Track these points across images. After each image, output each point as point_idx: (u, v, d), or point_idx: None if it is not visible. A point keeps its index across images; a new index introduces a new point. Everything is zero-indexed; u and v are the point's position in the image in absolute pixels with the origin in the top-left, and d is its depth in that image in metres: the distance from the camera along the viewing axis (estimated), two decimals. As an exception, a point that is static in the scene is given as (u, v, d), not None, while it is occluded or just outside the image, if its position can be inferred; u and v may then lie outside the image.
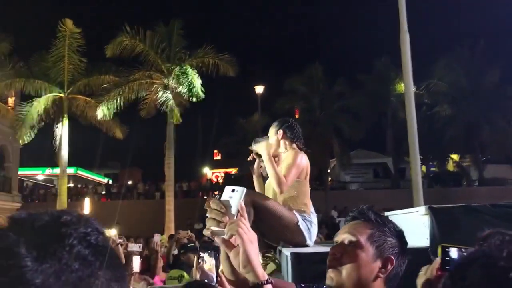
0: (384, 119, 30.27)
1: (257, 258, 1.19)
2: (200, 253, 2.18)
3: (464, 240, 2.56)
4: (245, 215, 1.22)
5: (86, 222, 0.69)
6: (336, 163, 29.29)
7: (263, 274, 1.18)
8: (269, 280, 1.18)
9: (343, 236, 1.49)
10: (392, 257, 1.44)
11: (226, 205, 1.23)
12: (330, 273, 1.44)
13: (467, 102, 27.71)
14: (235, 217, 1.21)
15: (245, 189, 1.27)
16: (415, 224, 2.63)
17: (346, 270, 1.41)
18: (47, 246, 0.62)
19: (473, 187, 29.11)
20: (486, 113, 27.32)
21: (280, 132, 3.80)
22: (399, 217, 3.11)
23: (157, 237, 6.45)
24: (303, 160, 3.64)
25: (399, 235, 1.52)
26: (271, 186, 3.66)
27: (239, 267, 1.18)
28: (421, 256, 2.40)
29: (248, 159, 3.91)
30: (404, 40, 9.03)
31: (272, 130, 3.87)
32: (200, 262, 2.16)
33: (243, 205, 1.22)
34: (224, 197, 1.26)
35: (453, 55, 28.44)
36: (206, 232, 1.25)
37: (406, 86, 9.26)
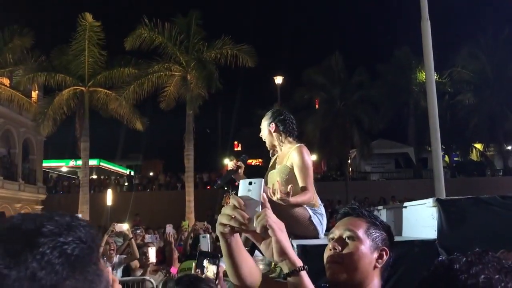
0: (405, 108, 29.87)
1: (290, 246, 1.19)
2: (200, 261, 2.18)
3: (473, 232, 2.53)
4: (269, 205, 1.20)
5: (69, 231, 0.72)
6: (357, 153, 29.07)
7: (299, 261, 1.18)
8: (304, 267, 1.19)
9: (340, 231, 1.55)
10: (386, 248, 1.53)
11: (246, 200, 1.19)
12: (332, 267, 1.50)
13: (491, 90, 27.13)
14: (260, 210, 1.18)
15: (263, 179, 1.23)
16: (423, 216, 2.60)
17: (347, 263, 1.48)
18: (20, 254, 0.66)
19: (497, 177, 28.55)
20: (510, 101, 26.70)
21: (273, 125, 3.75)
22: (408, 209, 3.08)
23: (169, 228, 6.48)
24: (309, 156, 3.61)
25: (388, 229, 1.61)
26: (273, 179, 3.62)
27: (273, 257, 1.18)
28: (429, 248, 2.38)
29: (230, 169, 3.71)
30: (425, 29, 8.85)
31: (264, 122, 3.83)
32: (198, 271, 2.17)
33: (265, 196, 1.20)
34: (242, 191, 1.22)
35: (477, 42, 27.82)
36: (222, 229, 1.20)
37: (428, 75, 9.10)
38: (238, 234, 1.25)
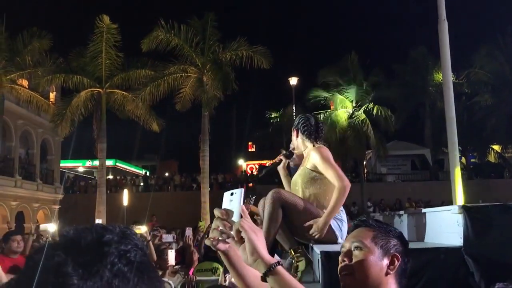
0: (422, 109, 29.58)
1: (263, 246, 1.23)
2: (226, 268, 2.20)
3: (500, 240, 2.50)
4: (247, 215, 1.27)
5: (126, 239, 0.74)
6: (372, 154, 28.86)
7: (271, 258, 1.22)
8: (280, 262, 1.23)
9: (349, 244, 1.61)
10: (398, 254, 1.56)
11: (229, 211, 1.27)
12: (344, 279, 1.56)
13: (509, 91, 26.71)
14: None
15: (243, 189, 1.30)
16: (448, 223, 2.57)
17: (358, 272, 1.53)
18: (91, 264, 0.68)
19: (516, 179, 28.13)
20: (529, 102, 26.29)
21: (295, 131, 3.85)
22: (432, 215, 3.05)
23: (188, 231, 6.51)
24: (328, 153, 3.62)
25: (400, 236, 1.64)
26: (297, 183, 3.66)
27: (248, 260, 1.22)
28: (454, 256, 2.35)
29: (275, 160, 3.92)
30: (443, 29, 8.76)
31: (292, 131, 3.93)
32: (226, 276, 2.18)
33: (243, 207, 1.26)
34: (225, 203, 1.30)
35: (495, 43, 27.42)
36: (208, 242, 1.28)
37: (445, 76, 9.01)
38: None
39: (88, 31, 20.38)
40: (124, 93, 20.73)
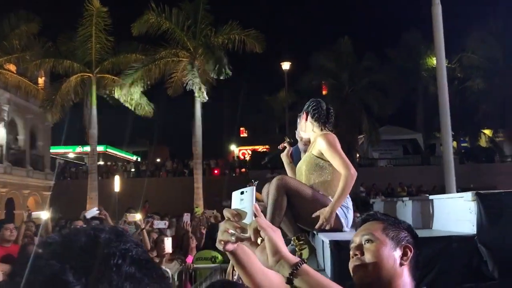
0: (414, 94, 29.61)
1: (284, 246, 1.15)
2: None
3: (514, 228, 2.44)
4: (261, 214, 1.18)
5: (122, 236, 0.65)
6: (365, 139, 28.91)
7: (294, 257, 1.13)
8: (304, 260, 1.16)
9: (359, 238, 1.58)
10: (410, 245, 1.54)
11: (240, 212, 1.18)
12: (358, 273, 1.52)
13: (501, 76, 26.78)
14: (253, 218, 1.17)
15: (254, 187, 1.21)
16: (460, 210, 2.50)
17: (371, 265, 1.50)
18: (94, 269, 0.58)
19: (507, 163, 28.38)
20: (521, 87, 26.38)
21: (304, 114, 3.74)
22: (442, 202, 2.98)
23: (186, 217, 6.41)
24: (336, 139, 3.53)
25: (409, 228, 1.62)
26: (302, 169, 3.58)
27: (268, 261, 1.13)
28: (468, 244, 2.28)
29: (279, 147, 3.87)
30: (436, 13, 8.65)
31: (300, 115, 3.82)
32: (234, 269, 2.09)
33: (256, 206, 1.18)
34: (235, 204, 1.21)
35: (487, 27, 27.40)
36: (221, 247, 1.20)
37: (438, 60, 8.92)
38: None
39: (78, 15, 20.04)
40: (115, 77, 20.46)
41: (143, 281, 0.61)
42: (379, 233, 1.54)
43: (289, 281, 1.10)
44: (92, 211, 5.79)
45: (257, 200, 3.99)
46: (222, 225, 1.19)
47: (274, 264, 1.12)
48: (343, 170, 3.34)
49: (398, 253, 1.51)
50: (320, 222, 3.14)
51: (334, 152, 3.41)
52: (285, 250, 1.13)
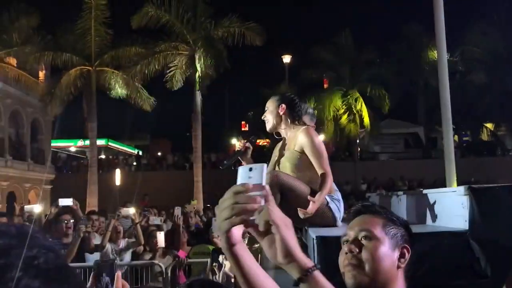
0: (415, 87, 29.45)
1: (297, 245, 1.00)
2: (215, 258, 2.04)
3: (508, 224, 2.37)
4: (272, 198, 1.00)
5: (29, 239, 0.52)
6: (366, 133, 28.81)
7: (309, 260, 1.00)
8: (317, 266, 1.01)
9: (355, 232, 1.43)
10: (407, 246, 1.43)
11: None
12: (352, 272, 1.38)
13: (503, 69, 26.60)
14: (263, 202, 0.98)
15: (265, 164, 1.03)
16: (452, 205, 2.43)
17: (368, 265, 1.37)
18: None
19: (508, 157, 28.27)
20: (523, 80, 26.22)
21: (283, 106, 3.54)
22: (434, 196, 2.91)
23: (177, 210, 6.33)
24: (318, 136, 3.43)
25: (407, 225, 1.50)
26: (286, 167, 3.45)
27: (276, 258, 0.99)
28: (459, 240, 2.22)
29: (240, 147, 3.57)
30: (438, 5, 8.55)
31: (273, 103, 3.60)
32: (215, 265, 2.03)
33: (268, 189, 0.99)
34: (242, 180, 1.01)
35: (489, 20, 27.19)
36: (229, 225, 0.97)
37: (439, 53, 8.78)
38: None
39: (77, 8, 19.94)
40: (115, 71, 20.38)
41: None
42: (379, 231, 1.40)
43: (296, 283, 1.00)
44: (66, 200, 5.73)
45: None
46: (228, 201, 0.98)
47: (285, 264, 0.99)
48: (324, 170, 3.22)
49: (396, 254, 1.40)
50: (302, 213, 2.99)
51: (318, 154, 3.28)
52: (298, 251, 0.99)
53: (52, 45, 19.85)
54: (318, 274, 0.99)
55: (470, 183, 3.44)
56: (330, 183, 3.20)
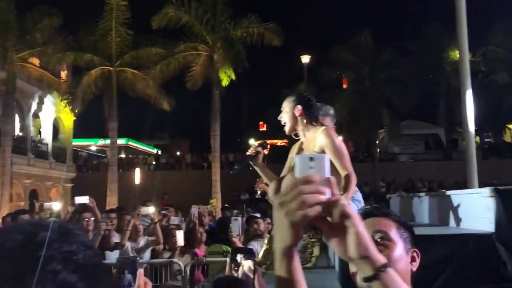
0: (436, 88, 29.05)
1: (372, 241, 0.95)
2: (234, 257, 2.04)
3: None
4: (338, 190, 0.92)
5: (69, 235, 0.52)
6: (385, 134, 28.53)
7: (382, 257, 0.95)
8: (389, 264, 0.96)
9: (370, 234, 1.34)
10: (417, 250, 1.41)
11: None
12: None
13: (527, 69, 26.11)
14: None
15: (326, 155, 0.96)
16: (476, 207, 2.37)
17: None
18: (23, 276, 0.46)
19: (531, 159, 27.69)
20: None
21: (299, 108, 3.47)
22: (457, 197, 2.84)
23: (194, 209, 6.33)
24: (337, 137, 3.38)
25: (411, 229, 1.47)
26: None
27: (347, 254, 0.92)
28: (485, 243, 2.16)
29: (251, 152, 3.51)
30: (460, 5, 8.43)
31: (288, 104, 3.55)
32: (233, 266, 2.03)
33: (333, 180, 0.91)
34: (301, 170, 0.92)
35: (512, 19, 26.68)
36: (296, 218, 0.87)
37: (461, 54, 8.68)
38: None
39: (98, 9, 20.18)
40: (135, 71, 20.58)
41: None
42: (394, 233, 1.36)
43: (367, 280, 0.94)
44: (83, 198, 5.81)
45: (265, 194, 3.86)
46: (296, 192, 0.88)
47: (357, 259, 0.93)
48: (347, 171, 3.17)
49: (408, 257, 1.36)
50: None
51: (340, 155, 3.23)
52: (373, 247, 0.93)
53: (74, 46, 20.12)
54: (392, 271, 0.95)
55: (492, 185, 3.36)
56: (354, 183, 3.16)
